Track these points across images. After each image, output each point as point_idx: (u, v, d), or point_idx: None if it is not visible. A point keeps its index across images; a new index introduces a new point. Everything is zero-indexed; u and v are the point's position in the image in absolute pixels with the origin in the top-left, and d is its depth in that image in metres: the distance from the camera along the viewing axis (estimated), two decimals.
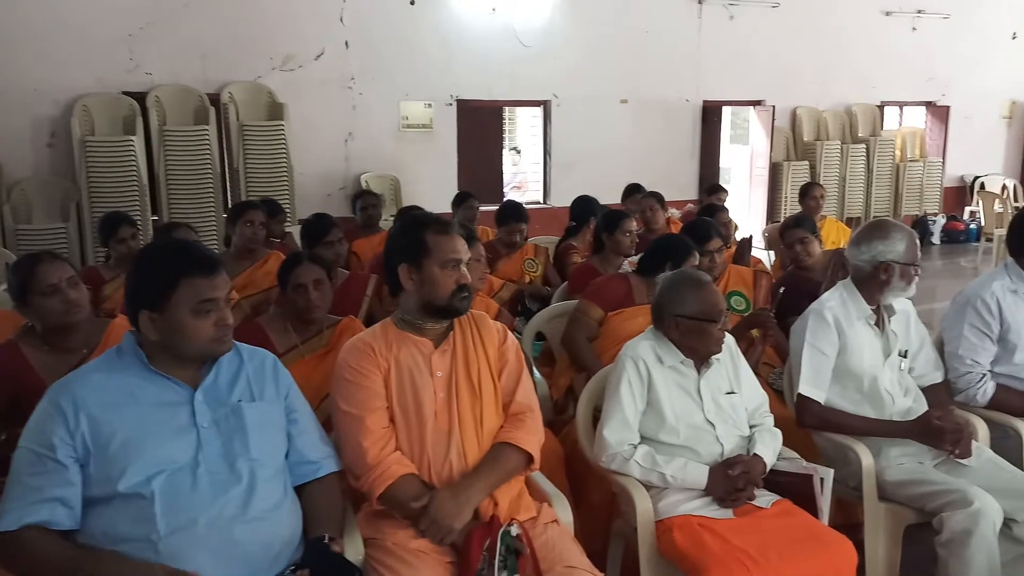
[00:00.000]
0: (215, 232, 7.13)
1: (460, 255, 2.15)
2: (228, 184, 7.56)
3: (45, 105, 7.01)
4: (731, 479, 2.33)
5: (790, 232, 4.04)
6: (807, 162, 10.16)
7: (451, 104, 8.55)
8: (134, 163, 6.94)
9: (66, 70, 7.00)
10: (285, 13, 7.71)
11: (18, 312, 2.51)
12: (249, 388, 1.92)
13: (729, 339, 2.53)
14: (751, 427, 2.52)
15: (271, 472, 1.86)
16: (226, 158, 7.52)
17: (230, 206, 7.44)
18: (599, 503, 2.82)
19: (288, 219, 6.44)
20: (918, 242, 2.82)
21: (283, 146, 7.47)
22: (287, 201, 7.15)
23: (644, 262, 3.34)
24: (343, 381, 2.13)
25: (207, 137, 7.21)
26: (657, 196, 5.33)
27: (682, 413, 2.42)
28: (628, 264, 3.42)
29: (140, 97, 7.20)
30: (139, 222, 5.61)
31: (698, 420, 2.42)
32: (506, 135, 9.61)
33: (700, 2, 9.44)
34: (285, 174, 7.48)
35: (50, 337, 2.45)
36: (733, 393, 2.50)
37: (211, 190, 7.26)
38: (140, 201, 6.92)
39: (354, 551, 2.00)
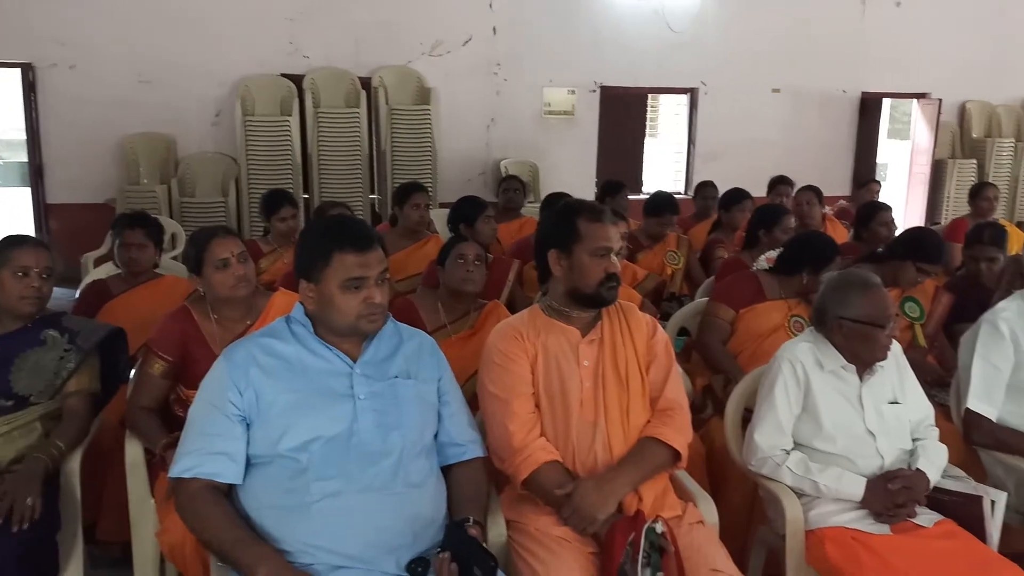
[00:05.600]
0: (361, 211, 7.37)
1: (611, 243, 2.11)
2: (375, 166, 7.80)
3: (212, 86, 7.46)
4: (891, 493, 2.19)
5: (979, 247, 3.69)
6: (975, 160, 9.46)
7: (595, 91, 8.49)
8: (290, 143, 7.30)
9: (231, 52, 7.43)
10: None
11: (192, 281, 2.67)
12: (406, 366, 1.96)
13: (895, 346, 2.37)
14: (914, 440, 2.36)
15: (420, 449, 1.90)
16: (375, 140, 7.76)
17: (376, 186, 7.72)
18: (738, 505, 2.74)
19: (430, 203, 6.60)
20: None
21: (429, 130, 7.64)
22: (430, 184, 7.32)
23: (781, 260, 3.20)
24: (491, 364, 2.15)
25: (358, 119, 7.48)
26: (815, 190, 5.09)
27: (841, 421, 2.29)
28: (765, 260, 3.28)
29: (297, 79, 7.54)
30: None
31: (858, 429, 2.29)
32: (648, 123, 9.43)
33: None
34: (429, 158, 7.66)
35: (218, 307, 2.60)
36: (897, 403, 2.35)
37: (359, 171, 7.52)
38: (294, 179, 7.27)
39: (497, 533, 2.02)
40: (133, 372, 2.66)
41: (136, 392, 2.57)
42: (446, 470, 2.00)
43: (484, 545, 1.76)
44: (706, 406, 3.10)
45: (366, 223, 2.07)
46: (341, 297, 1.83)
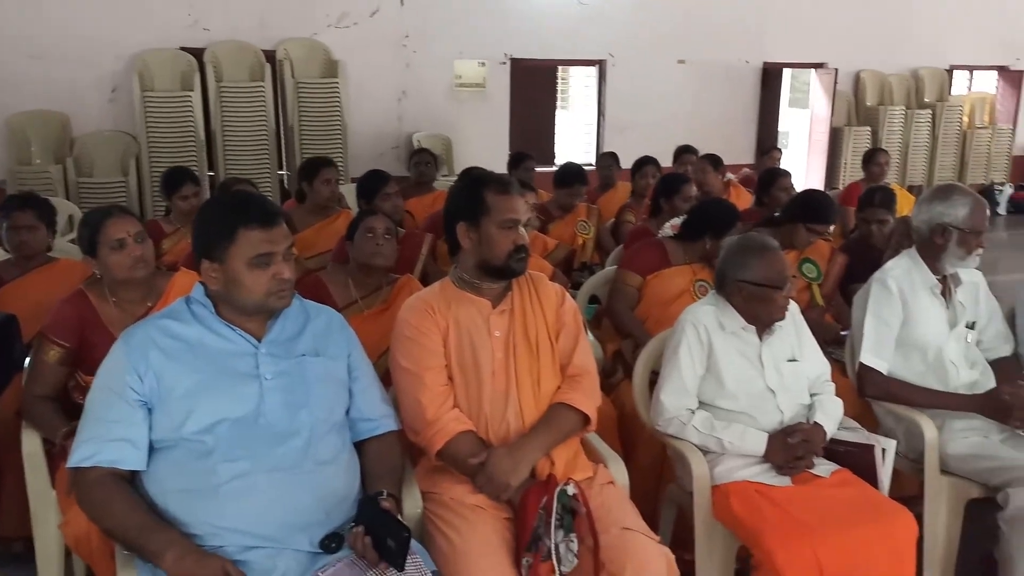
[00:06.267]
0: (269, 188, 7.20)
1: (519, 215, 2.13)
2: (283, 141, 7.62)
3: (107, 60, 7.10)
4: (790, 447, 2.30)
5: (871, 210, 3.90)
6: (869, 128, 9.85)
7: (505, 63, 8.46)
8: (192, 119, 7.04)
9: (127, 25, 7.07)
10: None
11: (86, 263, 2.57)
12: (313, 344, 1.94)
13: (793, 306, 2.48)
14: (812, 395, 2.48)
15: (330, 426, 1.89)
16: (281, 115, 7.57)
17: (284, 162, 7.54)
18: (648, 466, 2.83)
19: (341, 178, 6.50)
20: (987, 212, 2.70)
21: (337, 104, 7.49)
22: (340, 159, 7.18)
23: (685, 227, 3.30)
24: (403, 338, 2.15)
25: (263, 94, 7.27)
26: (712, 159, 5.22)
27: (742, 379, 2.39)
28: (670, 228, 3.38)
29: (198, 53, 7.26)
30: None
31: (758, 387, 2.39)
32: (559, 95, 9.47)
33: None
34: (339, 132, 7.51)
35: (116, 289, 2.51)
36: (795, 361, 2.45)
37: (266, 147, 7.32)
38: (198, 157, 7.02)
39: (412, 505, 2.03)
40: (28, 360, 2.55)
41: (31, 381, 2.46)
42: (359, 445, 1.99)
43: (398, 517, 1.77)
44: (616, 370, 3.18)
45: (267, 198, 2.03)
46: (249, 275, 1.79)
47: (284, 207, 4.72)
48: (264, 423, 1.79)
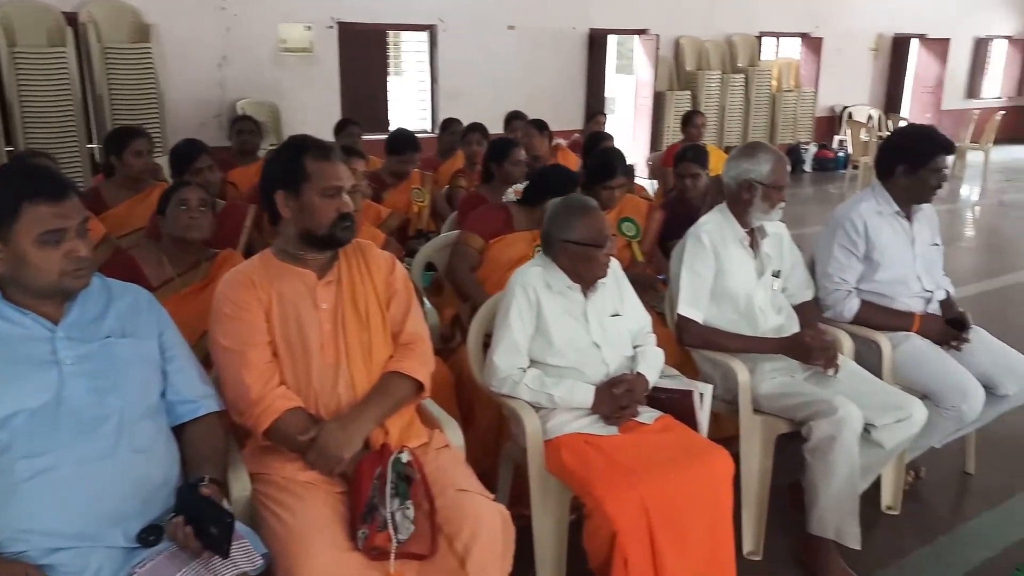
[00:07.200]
0: (78, 162, 6.68)
1: (342, 182, 2.07)
2: (92, 111, 7.05)
3: None
4: (615, 398, 2.39)
5: (684, 165, 4.13)
6: (689, 92, 10.36)
7: (332, 27, 8.21)
8: None
9: None
10: None
11: None
12: (119, 324, 1.81)
13: (614, 263, 2.57)
14: (635, 347, 2.59)
15: (144, 410, 1.79)
16: (88, 83, 6.99)
17: (94, 133, 7.00)
18: (487, 427, 2.87)
19: (159, 149, 6.10)
20: (788, 168, 2.90)
21: (151, 70, 7.03)
22: (157, 129, 6.76)
23: (527, 192, 3.35)
24: (222, 316, 2.05)
25: (65, 60, 6.70)
26: (538, 124, 5.31)
27: (569, 336, 2.45)
28: (513, 193, 3.42)
29: None
30: None
31: (584, 343, 2.47)
32: (391, 61, 9.32)
33: None
34: (154, 101, 7.06)
35: None
36: (618, 315, 2.55)
37: (72, 118, 6.77)
38: None
39: (240, 487, 1.96)
40: None
41: None
42: (178, 430, 1.90)
43: (220, 502, 1.70)
44: (455, 335, 3.20)
45: (55, 169, 1.86)
46: (38, 254, 1.65)
47: (93, 182, 4.37)
48: (67, 411, 1.66)
